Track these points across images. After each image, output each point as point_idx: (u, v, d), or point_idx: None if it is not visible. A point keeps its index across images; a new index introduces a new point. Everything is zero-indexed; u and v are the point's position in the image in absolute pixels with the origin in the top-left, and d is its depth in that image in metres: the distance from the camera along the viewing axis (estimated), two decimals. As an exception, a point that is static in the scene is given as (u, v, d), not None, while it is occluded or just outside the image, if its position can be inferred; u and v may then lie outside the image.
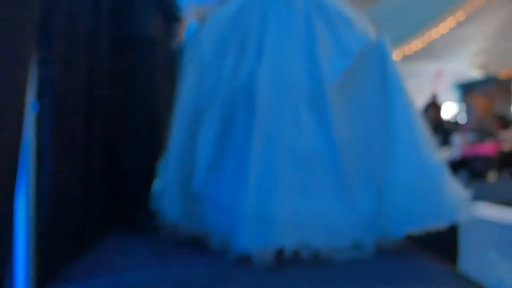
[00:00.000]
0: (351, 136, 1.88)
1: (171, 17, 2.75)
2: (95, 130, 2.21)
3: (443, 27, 6.72)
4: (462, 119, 9.77)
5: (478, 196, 1.90)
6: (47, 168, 1.60)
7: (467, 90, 9.94)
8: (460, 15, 6.52)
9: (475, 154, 5.11)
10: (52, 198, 1.62)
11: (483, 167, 5.04)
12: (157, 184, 2.36)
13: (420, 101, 10.66)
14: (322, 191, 1.81)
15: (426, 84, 10.72)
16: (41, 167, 1.57)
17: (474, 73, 9.48)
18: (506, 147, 5.58)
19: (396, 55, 7.92)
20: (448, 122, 6.46)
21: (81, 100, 2.08)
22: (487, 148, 5.15)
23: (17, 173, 1.31)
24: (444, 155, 5.44)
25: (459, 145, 5.25)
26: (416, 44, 7.12)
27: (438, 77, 10.51)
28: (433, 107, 6.22)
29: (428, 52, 8.20)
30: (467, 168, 5.17)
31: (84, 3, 2.27)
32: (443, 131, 5.67)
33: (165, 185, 2.15)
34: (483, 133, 5.20)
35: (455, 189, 1.86)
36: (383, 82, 1.92)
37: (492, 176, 5.16)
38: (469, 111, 5.51)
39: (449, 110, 10.65)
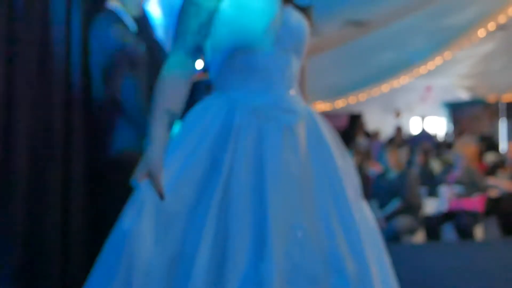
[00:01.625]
0: None
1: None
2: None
3: (431, 65, 6.69)
4: (450, 137, 9.81)
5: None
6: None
7: (455, 110, 9.96)
8: (447, 55, 6.49)
9: (462, 209, 5.09)
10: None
11: (470, 223, 5.03)
12: None
13: (408, 118, 10.69)
14: None
15: (415, 99, 10.72)
16: None
17: (463, 95, 9.48)
18: (493, 194, 5.57)
19: (384, 88, 7.90)
20: (434, 163, 6.45)
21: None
22: (474, 203, 5.13)
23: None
24: (431, 207, 5.44)
25: (446, 197, 5.24)
26: (403, 79, 7.09)
27: (427, 92, 10.52)
28: (421, 151, 6.19)
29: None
30: (453, 222, 5.17)
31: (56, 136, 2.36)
32: (431, 181, 5.65)
33: None
34: (470, 186, 5.18)
35: None
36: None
37: (479, 232, 5.16)
38: (456, 161, 5.49)
39: (439, 125, 10.67)
